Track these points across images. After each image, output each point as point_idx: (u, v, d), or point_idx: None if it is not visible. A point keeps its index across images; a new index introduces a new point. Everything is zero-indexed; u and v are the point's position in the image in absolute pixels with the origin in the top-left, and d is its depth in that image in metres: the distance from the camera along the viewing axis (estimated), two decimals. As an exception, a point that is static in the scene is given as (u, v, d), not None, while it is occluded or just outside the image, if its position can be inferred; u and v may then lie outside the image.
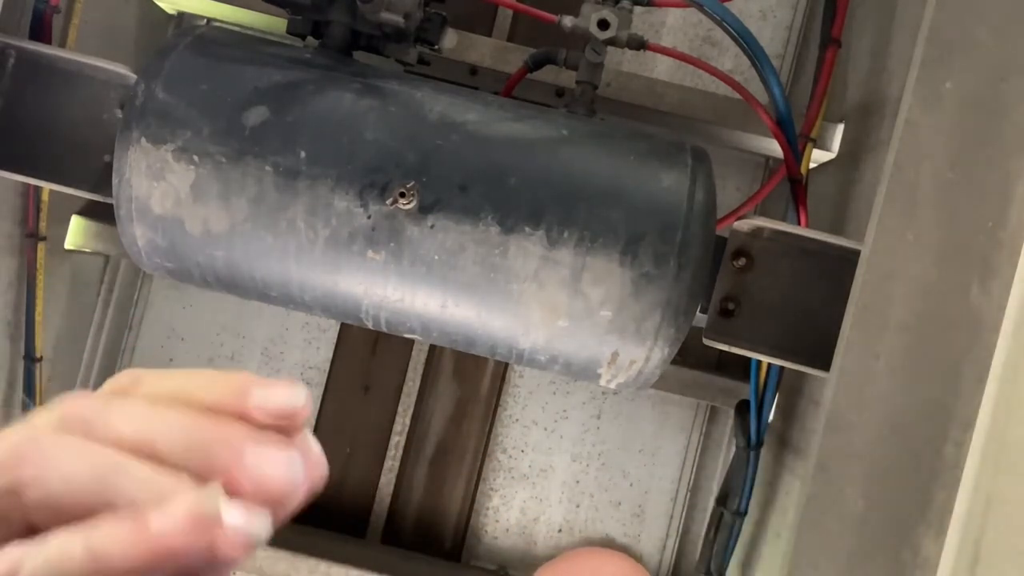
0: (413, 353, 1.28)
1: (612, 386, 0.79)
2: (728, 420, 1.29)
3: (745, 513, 1.03)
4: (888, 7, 1.01)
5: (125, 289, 1.28)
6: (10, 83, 0.81)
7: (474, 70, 1.11)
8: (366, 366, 1.29)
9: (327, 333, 1.29)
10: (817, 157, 1.09)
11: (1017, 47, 0.60)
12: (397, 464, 1.28)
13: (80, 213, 1.12)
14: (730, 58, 1.24)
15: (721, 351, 0.82)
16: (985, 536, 0.55)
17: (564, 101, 1.09)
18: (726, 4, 0.85)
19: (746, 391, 1.00)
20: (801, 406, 1.04)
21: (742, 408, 1.03)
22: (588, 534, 1.28)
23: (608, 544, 1.27)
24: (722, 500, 1.05)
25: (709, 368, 1.23)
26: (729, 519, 1.03)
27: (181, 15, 1.22)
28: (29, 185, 0.98)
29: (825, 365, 0.68)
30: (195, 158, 0.70)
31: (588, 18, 0.84)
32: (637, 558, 1.27)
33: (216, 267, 0.75)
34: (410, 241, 0.70)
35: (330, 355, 1.29)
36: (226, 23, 1.11)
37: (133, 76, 0.80)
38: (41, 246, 1.00)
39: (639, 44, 0.87)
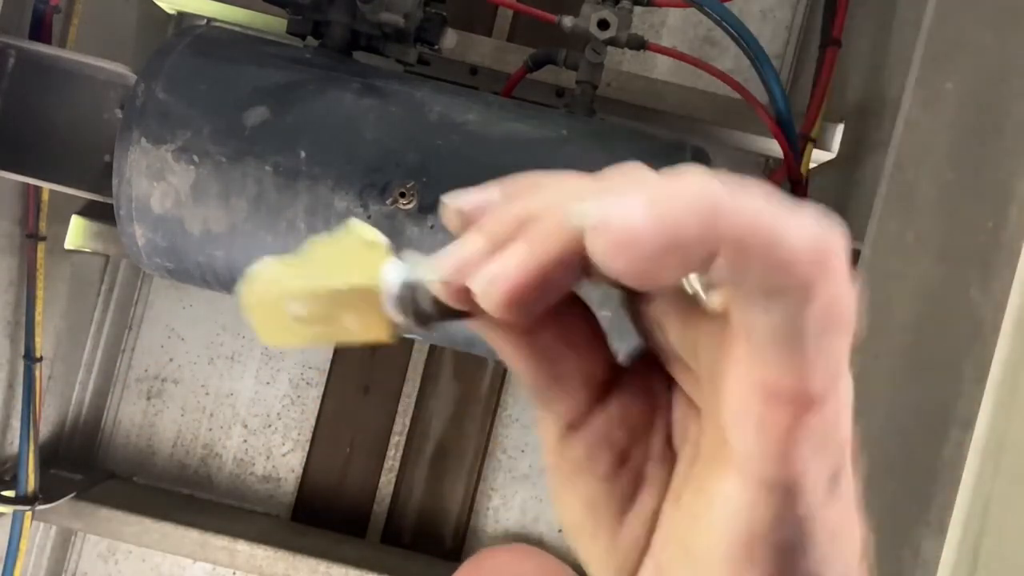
0: (413, 353, 1.28)
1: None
2: (728, 420, 1.28)
3: (745, 513, 1.03)
4: (888, 7, 1.01)
5: (125, 289, 1.28)
6: (10, 83, 0.81)
7: (474, 70, 1.11)
8: (366, 366, 1.29)
9: (327, 333, 1.29)
10: (817, 157, 1.09)
11: (1017, 47, 0.60)
12: (397, 464, 1.28)
13: (80, 213, 1.12)
14: (730, 58, 1.24)
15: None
16: (985, 536, 0.55)
17: (564, 101, 1.09)
18: (726, 4, 0.85)
19: (746, 391, 1.00)
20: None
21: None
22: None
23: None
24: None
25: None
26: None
27: (181, 15, 1.22)
28: (29, 185, 0.98)
29: (825, 365, 0.67)
30: (195, 158, 0.70)
31: (588, 18, 0.84)
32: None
33: (216, 267, 0.75)
34: (410, 241, 0.70)
35: (330, 355, 1.29)
36: (226, 23, 1.11)
37: (133, 76, 0.80)
38: (41, 246, 1.00)
39: (639, 44, 0.87)
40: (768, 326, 0.16)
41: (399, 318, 0.21)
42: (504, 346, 0.21)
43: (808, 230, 0.16)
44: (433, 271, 0.20)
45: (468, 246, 0.20)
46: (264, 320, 0.22)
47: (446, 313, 0.20)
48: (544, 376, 0.22)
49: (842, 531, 0.19)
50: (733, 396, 0.17)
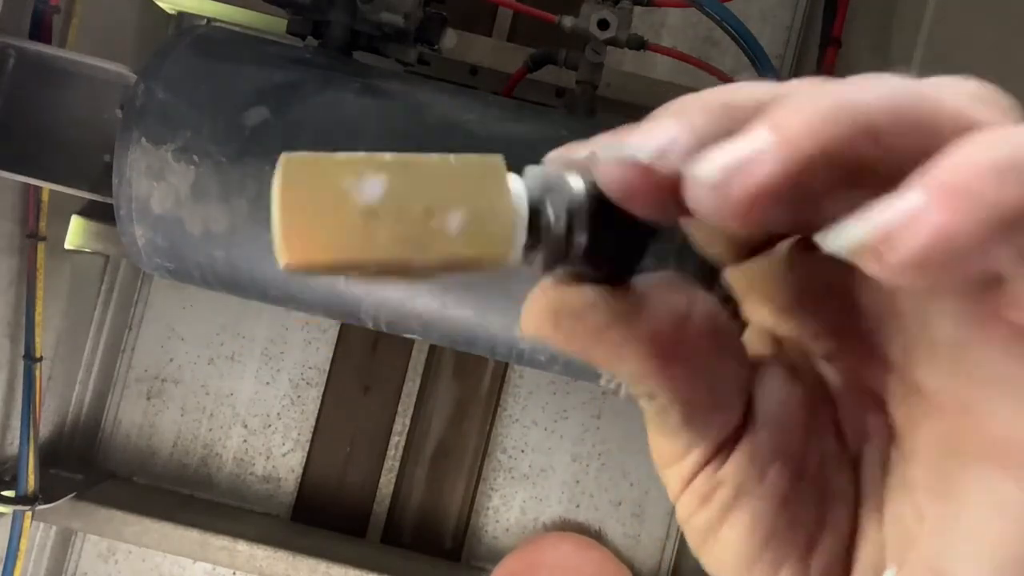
0: (413, 353, 1.28)
1: (612, 386, 0.79)
2: (728, 420, 1.28)
3: (745, 513, 1.03)
4: (888, 7, 1.01)
5: (125, 289, 1.28)
6: (10, 83, 0.81)
7: (474, 70, 1.11)
8: (366, 366, 1.29)
9: (327, 333, 1.29)
10: (817, 157, 1.09)
11: (1017, 47, 0.60)
12: (397, 464, 1.28)
13: (80, 213, 1.12)
14: (730, 58, 1.24)
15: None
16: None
17: (564, 101, 1.09)
18: (726, 4, 0.85)
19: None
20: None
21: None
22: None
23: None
24: (722, 500, 1.05)
25: (709, 368, 1.23)
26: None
27: (181, 15, 1.22)
28: (29, 185, 0.98)
29: (825, 365, 0.67)
30: (195, 158, 0.70)
31: (588, 18, 0.84)
32: (631, 560, 1.27)
33: (216, 267, 0.75)
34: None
35: (330, 355, 1.29)
36: (226, 23, 1.11)
37: (133, 76, 0.80)
38: (41, 246, 1.00)
39: (639, 44, 0.87)
40: None
41: (522, 240, 0.14)
42: (645, 363, 0.16)
43: None
44: (619, 149, 0.14)
45: (666, 130, 0.14)
46: (308, 211, 0.13)
47: (600, 245, 0.15)
48: (700, 391, 0.17)
49: None
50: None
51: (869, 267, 0.12)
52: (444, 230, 0.13)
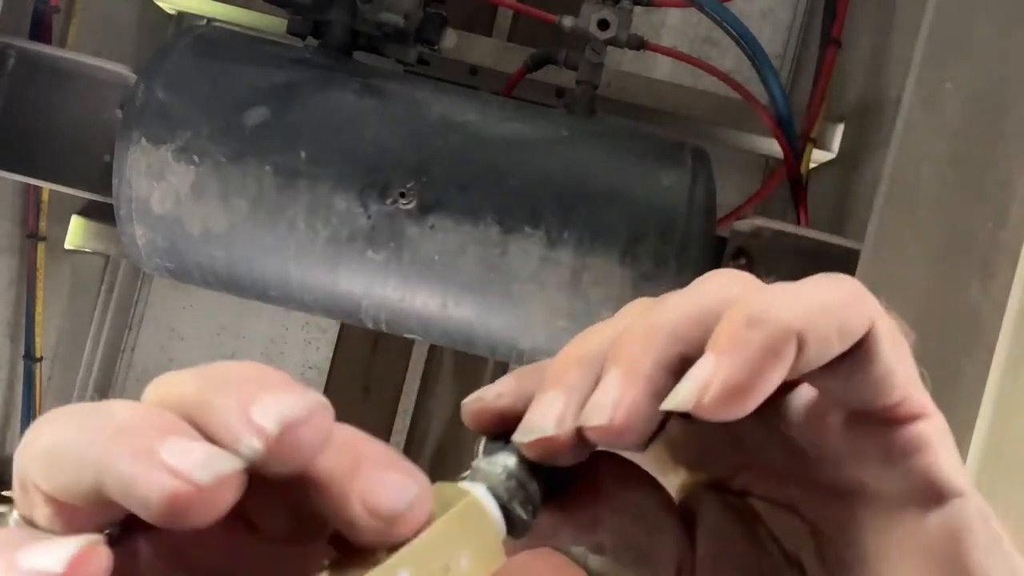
0: (413, 353, 1.28)
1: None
2: (728, 420, 1.28)
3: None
4: (888, 7, 1.01)
5: (125, 289, 1.28)
6: (10, 83, 0.81)
7: (474, 70, 1.10)
8: (366, 366, 1.29)
9: (327, 333, 1.29)
10: (817, 157, 1.09)
11: (1017, 47, 0.60)
12: (397, 464, 1.27)
13: (80, 213, 1.12)
14: (730, 58, 1.24)
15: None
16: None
17: (564, 101, 1.09)
18: (726, 4, 0.85)
19: (746, 391, 1.00)
20: (801, 406, 1.03)
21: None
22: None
23: None
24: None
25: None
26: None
27: (181, 15, 1.22)
28: (29, 185, 0.98)
29: (825, 365, 0.67)
30: (195, 158, 0.70)
31: (588, 18, 0.84)
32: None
33: (216, 267, 0.75)
34: (410, 241, 0.70)
35: (330, 355, 1.29)
36: (226, 23, 1.11)
37: (133, 76, 0.80)
38: (41, 246, 1.00)
39: (639, 44, 0.87)
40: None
41: (503, 524, 0.18)
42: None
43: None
44: (531, 432, 0.18)
45: (549, 400, 0.18)
46: None
47: (549, 489, 0.19)
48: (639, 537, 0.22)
49: None
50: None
51: (694, 412, 0.16)
52: (460, 572, 0.17)
